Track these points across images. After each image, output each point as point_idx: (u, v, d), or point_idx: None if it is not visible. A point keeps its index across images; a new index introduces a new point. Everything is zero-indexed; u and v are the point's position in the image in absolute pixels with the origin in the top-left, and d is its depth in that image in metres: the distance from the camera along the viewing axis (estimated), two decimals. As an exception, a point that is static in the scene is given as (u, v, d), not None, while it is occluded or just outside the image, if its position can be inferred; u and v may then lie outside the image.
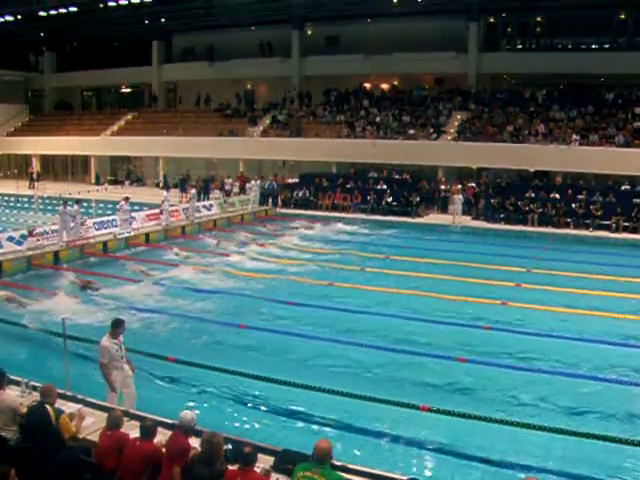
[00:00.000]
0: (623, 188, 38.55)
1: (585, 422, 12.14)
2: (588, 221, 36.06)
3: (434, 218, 39.07)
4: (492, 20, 50.00)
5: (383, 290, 21.80)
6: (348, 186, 42.35)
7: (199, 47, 57.23)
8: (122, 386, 11.10)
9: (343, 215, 39.40)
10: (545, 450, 11.13)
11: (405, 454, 11.00)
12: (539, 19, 48.80)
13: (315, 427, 11.88)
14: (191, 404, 12.17)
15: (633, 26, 46.17)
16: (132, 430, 8.83)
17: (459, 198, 37.54)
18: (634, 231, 35.18)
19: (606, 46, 47.50)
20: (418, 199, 40.32)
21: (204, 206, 37.64)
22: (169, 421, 9.25)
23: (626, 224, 35.50)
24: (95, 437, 8.84)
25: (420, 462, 10.73)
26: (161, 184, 48.78)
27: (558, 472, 10.50)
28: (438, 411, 11.82)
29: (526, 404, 13.05)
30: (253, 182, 41.26)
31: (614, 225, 35.45)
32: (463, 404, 12.53)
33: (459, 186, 40.07)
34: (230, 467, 7.73)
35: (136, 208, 33.24)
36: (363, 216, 39.17)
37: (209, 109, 55.84)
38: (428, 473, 10.37)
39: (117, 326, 11.10)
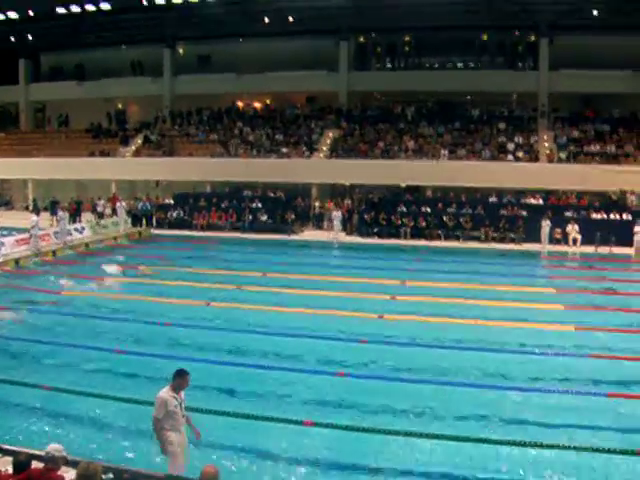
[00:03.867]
0: (491, 200, 40.05)
1: (466, 428, 12.38)
2: (458, 233, 37.16)
3: (310, 235, 39.25)
4: (362, 40, 50.95)
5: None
6: (223, 205, 42.07)
7: (68, 66, 55.89)
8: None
9: (219, 234, 39.13)
10: (425, 456, 11.32)
11: (292, 470, 10.82)
12: (407, 39, 49.99)
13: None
14: None
15: (495, 47, 48.12)
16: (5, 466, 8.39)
17: (337, 215, 37.87)
18: (502, 241, 36.52)
19: (471, 65, 49.15)
20: (293, 216, 40.48)
21: (76, 229, 36.63)
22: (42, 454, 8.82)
23: (494, 234, 36.79)
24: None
25: (308, 478, 10.63)
26: (30, 207, 47.17)
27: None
28: (322, 425, 11.92)
29: (404, 413, 13.13)
30: (118, 204, 40.47)
31: (483, 236, 36.73)
32: (344, 417, 12.59)
33: (332, 203, 40.57)
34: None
35: (4, 233, 32.11)
36: (239, 235, 38.99)
37: (79, 129, 54.41)
38: None
39: (180, 377, 9.65)
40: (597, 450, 11.20)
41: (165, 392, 9.53)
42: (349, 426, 11.87)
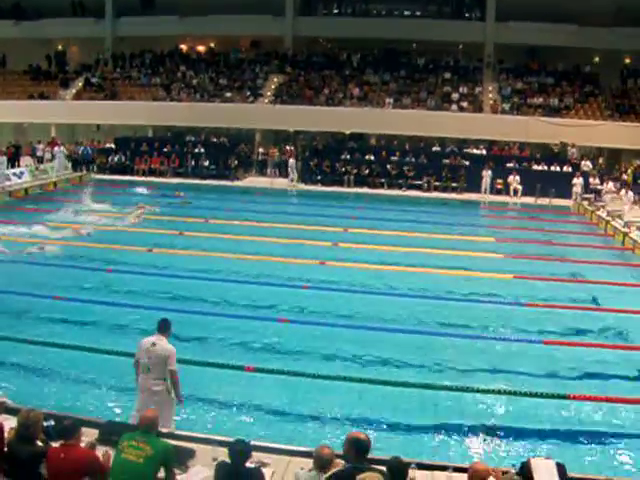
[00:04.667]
0: (434, 149, 40.47)
1: (407, 373, 12.61)
2: (401, 181, 37.39)
3: (252, 181, 39.04)
4: (309, -16, 50.35)
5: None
6: (165, 150, 41.44)
7: (4, 4, 53.82)
8: None
9: (161, 180, 38.65)
10: (367, 402, 11.54)
11: (233, 415, 10.84)
12: (354, -15, 49.58)
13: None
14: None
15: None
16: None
17: (293, 161, 37.83)
18: (444, 190, 36.92)
19: (418, 14, 48.98)
20: (236, 162, 40.18)
21: (14, 174, 35.67)
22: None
23: (437, 183, 37.19)
24: None
25: (250, 422, 10.61)
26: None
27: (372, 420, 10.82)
28: (263, 371, 11.95)
29: (346, 359, 13.33)
30: (57, 148, 39.57)
31: (425, 185, 37.08)
32: (286, 363, 12.66)
33: (276, 149, 40.51)
34: (53, 444, 7.33)
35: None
36: (181, 180, 38.53)
37: (17, 71, 52.69)
38: (261, 433, 9.95)
39: (170, 327, 9.61)
40: (534, 395, 11.49)
41: (168, 343, 9.38)
42: (291, 372, 11.95)
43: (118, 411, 10.50)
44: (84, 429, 7.55)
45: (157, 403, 9.04)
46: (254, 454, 7.14)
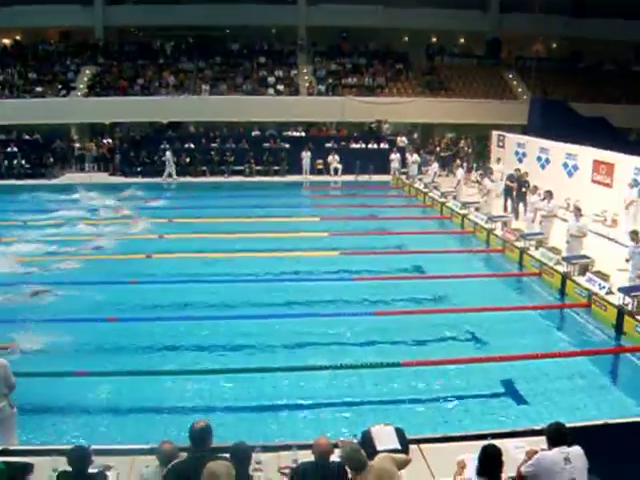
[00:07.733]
0: (254, 134, 40.55)
1: (239, 358, 12.84)
2: (223, 167, 37.43)
3: (71, 178, 37.64)
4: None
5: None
6: (-26, 152, 39.36)
7: None
8: None
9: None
10: (207, 392, 11.63)
11: (71, 423, 10.54)
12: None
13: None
14: None
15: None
16: None
17: (169, 154, 36.95)
18: (266, 174, 37.39)
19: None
20: (52, 160, 38.84)
21: None
22: None
23: (258, 168, 37.55)
24: None
25: (89, 427, 10.40)
26: None
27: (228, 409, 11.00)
28: (96, 374, 11.82)
29: (177, 350, 13.42)
30: None
31: (247, 170, 37.24)
32: (119, 362, 12.55)
33: (92, 143, 39.55)
34: None
35: None
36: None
37: None
38: (101, 436, 9.87)
39: None
40: (368, 366, 11.99)
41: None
42: (124, 371, 11.91)
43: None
44: None
45: (1, 421, 8.78)
46: (96, 458, 7.05)
